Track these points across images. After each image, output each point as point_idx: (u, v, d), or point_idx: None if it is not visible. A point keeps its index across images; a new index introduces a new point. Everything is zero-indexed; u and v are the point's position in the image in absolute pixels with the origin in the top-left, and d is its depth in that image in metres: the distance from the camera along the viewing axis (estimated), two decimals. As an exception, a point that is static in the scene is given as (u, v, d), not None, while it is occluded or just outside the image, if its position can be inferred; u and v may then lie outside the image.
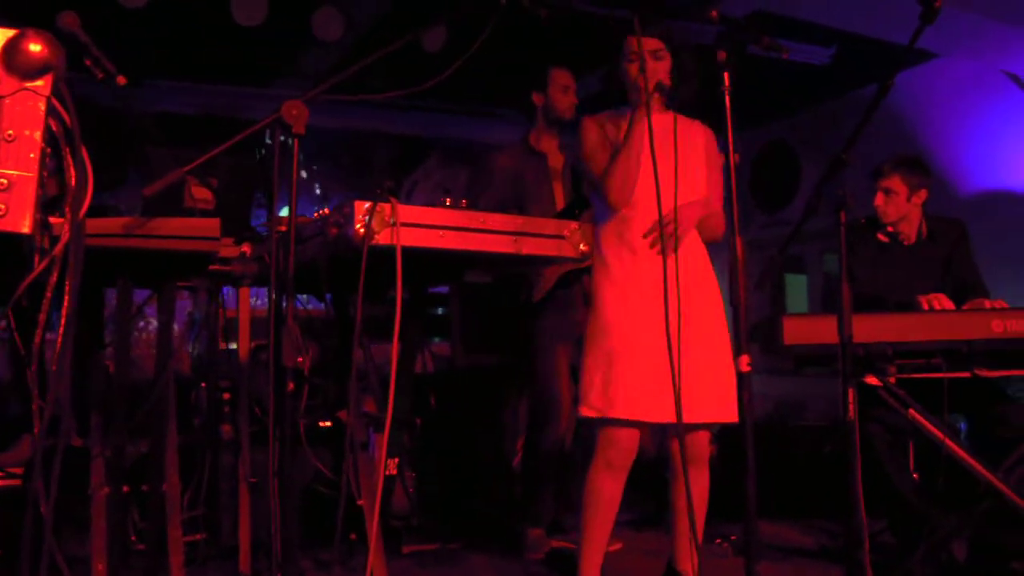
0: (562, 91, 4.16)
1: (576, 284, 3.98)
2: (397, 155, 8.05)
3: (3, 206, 1.22)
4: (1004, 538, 3.38)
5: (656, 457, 3.00)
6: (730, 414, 2.82)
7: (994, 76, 5.69)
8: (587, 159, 3.04)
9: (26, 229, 1.21)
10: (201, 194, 3.17)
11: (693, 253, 2.98)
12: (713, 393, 2.84)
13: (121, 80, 2.56)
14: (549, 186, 4.12)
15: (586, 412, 2.87)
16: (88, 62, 2.41)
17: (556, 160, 4.18)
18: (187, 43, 5.68)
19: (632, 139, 2.88)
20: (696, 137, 3.05)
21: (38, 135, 1.25)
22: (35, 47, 1.25)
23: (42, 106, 1.26)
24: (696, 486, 2.83)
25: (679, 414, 2.46)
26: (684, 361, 2.63)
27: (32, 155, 1.25)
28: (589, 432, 3.01)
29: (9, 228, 1.21)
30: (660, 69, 2.90)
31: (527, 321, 4.09)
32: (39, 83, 1.27)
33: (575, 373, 4.15)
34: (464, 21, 2.40)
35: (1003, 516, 3.23)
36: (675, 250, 2.80)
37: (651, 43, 2.90)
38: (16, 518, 1.50)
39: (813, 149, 6.93)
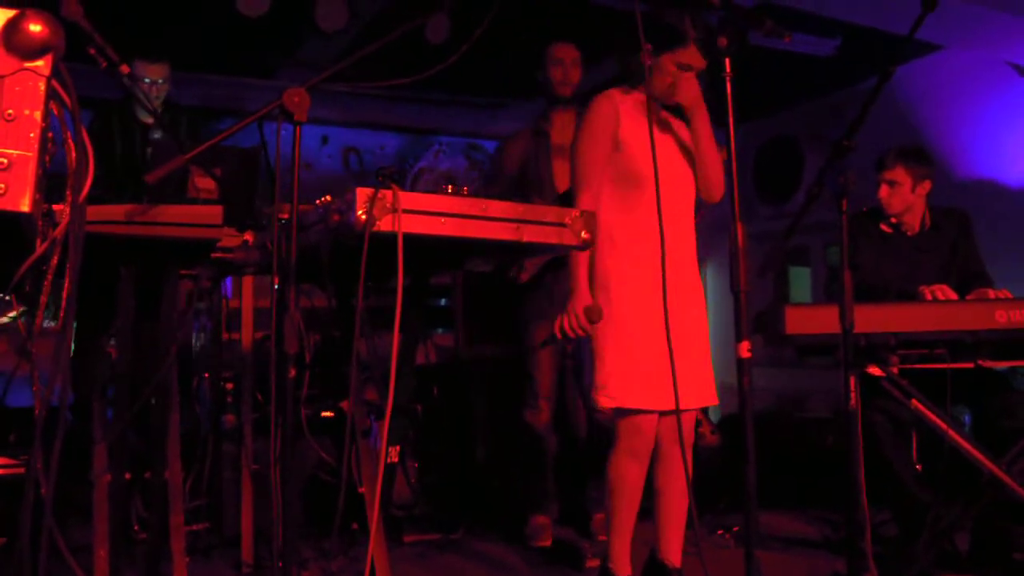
0: (555, 65, 4.12)
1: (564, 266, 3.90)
2: (403, 146, 8.05)
3: (2, 185, 1.23)
4: (1007, 529, 3.38)
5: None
6: (712, 398, 2.95)
7: (998, 67, 5.67)
8: (577, 144, 2.97)
9: (25, 208, 1.22)
10: (205, 184, 3.17)
11: (685, 239, 2.97)
12: (703, 378, 2.92)
13: (124, 69, 2.57)
14: (548, 164, 4.10)
15: (607, 403, 2.86)
16: (92, 51, 2.42)
17: (562, 137, 4.04)
18: (190, 34, 5.68)
19: None
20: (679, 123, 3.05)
21: (38, 115, 1.26)
22: (35, 27, 1.26)
23: (42, 86, 1.27)
24: (682, 469, 2.83)
25: (676, 400, 2.47)
26: (683, 347, 2.65)
27: (32, 135, 1.25)
28: (608, 420, 3.01)
29: (8, 207, 1.22)
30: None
31: (515, 303, 4.10)
32: (39, 63, 1.28)
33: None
34: (466, 9, 2.39)
35: (1006, 507, 3.24)
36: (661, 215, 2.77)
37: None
38: (21, 505, 1.50)
39: (817, 141, 6.91)
